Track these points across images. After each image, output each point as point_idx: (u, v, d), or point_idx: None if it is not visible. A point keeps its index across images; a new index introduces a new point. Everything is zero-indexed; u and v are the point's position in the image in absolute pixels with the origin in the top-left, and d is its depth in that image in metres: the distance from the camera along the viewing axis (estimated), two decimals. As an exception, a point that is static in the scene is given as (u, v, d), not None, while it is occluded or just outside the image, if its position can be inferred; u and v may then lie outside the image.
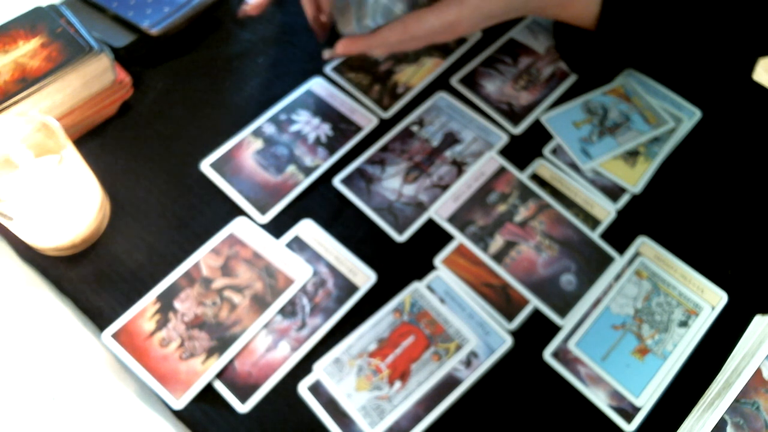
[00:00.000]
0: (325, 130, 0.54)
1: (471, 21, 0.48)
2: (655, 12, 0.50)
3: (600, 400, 0.44)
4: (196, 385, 0.43)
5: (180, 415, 0.43)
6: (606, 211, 0.51)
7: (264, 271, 0.47)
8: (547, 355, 0.46)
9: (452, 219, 0.50)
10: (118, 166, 0.52)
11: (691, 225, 0.51)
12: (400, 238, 0.50)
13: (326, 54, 0.53)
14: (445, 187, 0.52)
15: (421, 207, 0.51)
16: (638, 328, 0.46)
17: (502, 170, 0.53)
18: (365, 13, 0.47)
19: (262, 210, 0.50)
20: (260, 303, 0.46)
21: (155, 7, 0.56)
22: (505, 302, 0.47)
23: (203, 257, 0.48)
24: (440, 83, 0.57)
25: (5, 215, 0.43)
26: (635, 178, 0.53)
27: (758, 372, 0.43)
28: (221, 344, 0.44)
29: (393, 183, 0.52)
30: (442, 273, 0.48)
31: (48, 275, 0.47)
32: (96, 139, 0.53)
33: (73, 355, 0.45)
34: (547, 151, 0.54)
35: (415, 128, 0.55)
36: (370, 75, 0.57)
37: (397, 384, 0.44)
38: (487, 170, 0.52)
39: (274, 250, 0.48)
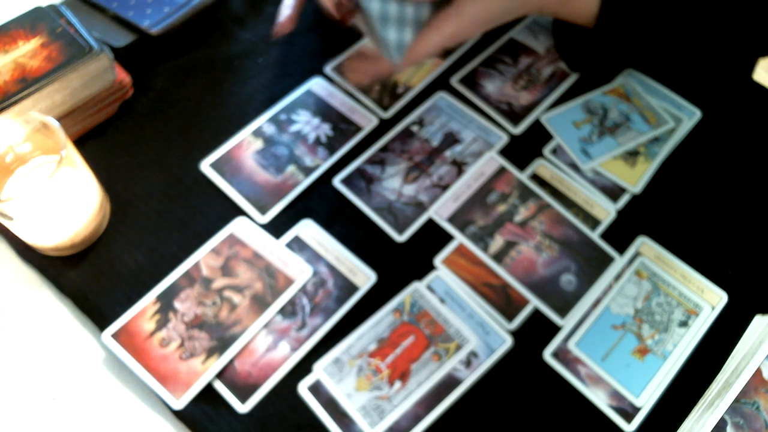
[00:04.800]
0: (325, 130, 0.54)
1: (471, 29, 0.49)
2: (654, 10, 0.50)
3: (600, 400, 0.44)
4: (196, 385, 0.43)
5: (180, 415, 0.43)
6: (606, 211, 0.51)
7: (264, 271, 0.47)
8: (547, 355, 0.46)
9: (452, 219, 0.50)
10: (118, 166, 0.52)
11: (691, 225, 0.51)
12: (400, 238, 0.50)
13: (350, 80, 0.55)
14: (445, 187, 0.52)
15: (421, 207, 0.51)
16: (638, 328, 0.46)
17: (502, 170, 0.53)
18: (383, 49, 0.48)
19: (262, 210, 0.50)
20: (260, 303, 0.46)
21: (155, 7, 0.56)
22: (505, 302, 0.47)
23: (203, 257, 0.48)
24: (440, 83, 0.57)
25: (5, 215, 0.43)
26: (635, 178, 0.53)
27: (758, 372, 0.43)
28: (221, 344, 0.44)
29: (393, 183, 0.52)
30: (442, 273, 0.48)
31: (48, 275, 0.47)
32: (96, 139, 0.53)
33: (73, 355, 0.45)
34: (547, 151, 0.54)
35: (415, 128, 0.55)
36: (370, 75, 0.57)
37: (397, 384, 0.44)
38: (487, 170, 0.53)
39: (274, 250, 0.48)
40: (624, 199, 0.52)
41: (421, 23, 0.48)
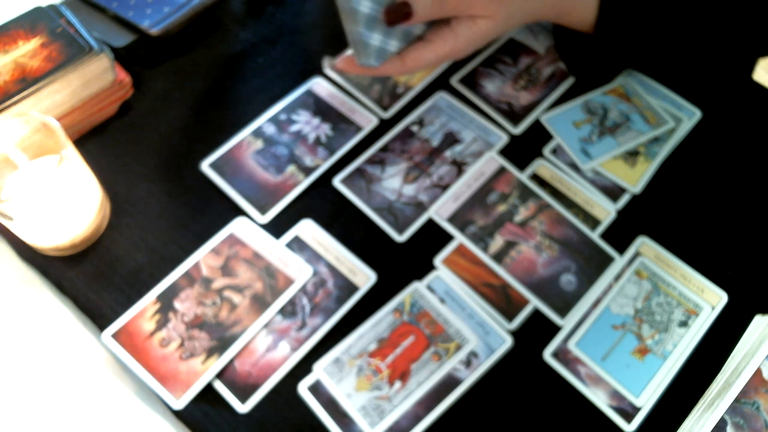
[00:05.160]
0: (325, 130, 0.54)
1: (467, 49, 0.49)
2: (652, 15, 0.50)
3: (600, 400, 0.44)
4: (196, 385, 0.43)
5: (180, 415, 0.43)
6: (606, 211, 0.51)
7: (264, 271, 0.47)
8: (547, 355, 0.46)
9: (452, 219, 0.50)
10: (118, 166, 0.52)
11: (691, 225, 0.51)
12: (400, 238, 0.50)
13: (327, 63, 0.54)
14: (445, 187, 0.52)
15: (421, 207, 0.51)
16: (638, 328, 0.46)
17: (502, 170, 0.53)
18: (367, 53, 0.48)
19: (262, 210, 0.50)
20: (260, 303, 0.46)
21: (155, 7, 0.56)
22: (505, 302, 0.47)
23: (203, 257, 0.48)
24: (440, 83, 0.57)
25: (5, 215, 0.43)
26: (635, 178, 0.53)
27: (758, 372, 0.43)
28: (221, 344, 0.44)
29: (393, 183, 0.52)
30: (442, 273, 0.48)
31: (48, 275, 0.47)
32: (96, 139, 0.53)
33: (73, 355, 0.45)
34: (547, 151, 0.54)
35: (415, 128, 0.55)
36: (370, 75, 0.57)
37: (397, 384, 0.44)
38: (487, 170, 0.53)
39: (274, 250, 0.48)
40: (624, 199, 0.52)
41: (411, 37, 0.48)
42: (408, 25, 0.46)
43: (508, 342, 0.46)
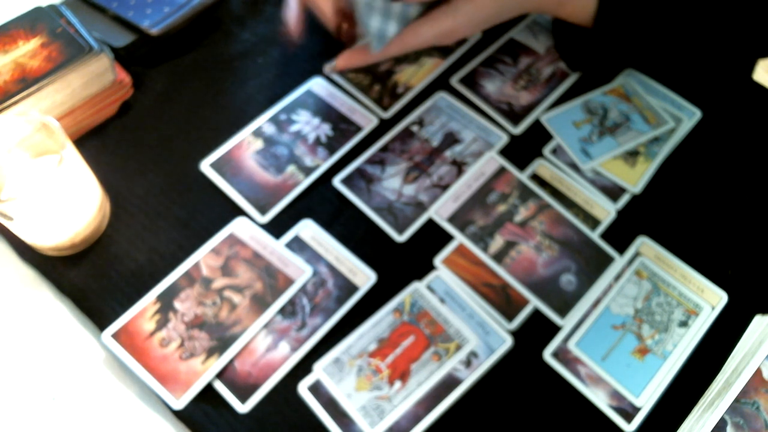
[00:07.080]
0: (325, 130, 0.54)
1: (466, 28, 0.49)
2: (652, 9, 0.50)
3: (600, 400, 0.44)
4: (196, 385, 0.43)
5: (180, 415, 0.43)
6: (606, 211, 0.51)
7: (264, 271, 0.47)
8: (547, 355, 0.46)
9: (452, 219, 0.50)
10: (118, 166, 0.52)
11: (691, 225, 0.51)
12: (400, 238, 0.50)
13: (327, 68, 0.54)
14: (445, 187, 0.52)
15: (421, 207, 0.51)
16: (638, 328, 0.46)
17: (502, 170, 0.53)
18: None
19: (262, 210, 0.50)
20: (260, 303, 0.46)
21: (155, 7, 0.56)
22: (505, 302, 0.47)
23: (203, 257, 0.48)
24: (440, 83, 0.57)
25: (5, 215, 0.43)
26: (635, 178, 0.53)
27: (758, 372, 0.43)
28: (221, 344, 0.44)
29: (393, 183, 0.52)
30: (442, 273, 0.48)
31: (48, 275, 0.47)
32: (96, 139, 0.53)
33: (73, 355, 0.45)
34: (547, 151, 0.54)
35: (415, 128, 0.55)
36: (370, 75, 0.57)
37: (397, 384, 0.44)
38: (487, 170, 0.53)
39: (274, 250, 0.48)
40: (624, 199, 0.52)
41: (408, 19, 0.49)
42: (410, 1, 0.46)
43: (508, 342, 0.46)
